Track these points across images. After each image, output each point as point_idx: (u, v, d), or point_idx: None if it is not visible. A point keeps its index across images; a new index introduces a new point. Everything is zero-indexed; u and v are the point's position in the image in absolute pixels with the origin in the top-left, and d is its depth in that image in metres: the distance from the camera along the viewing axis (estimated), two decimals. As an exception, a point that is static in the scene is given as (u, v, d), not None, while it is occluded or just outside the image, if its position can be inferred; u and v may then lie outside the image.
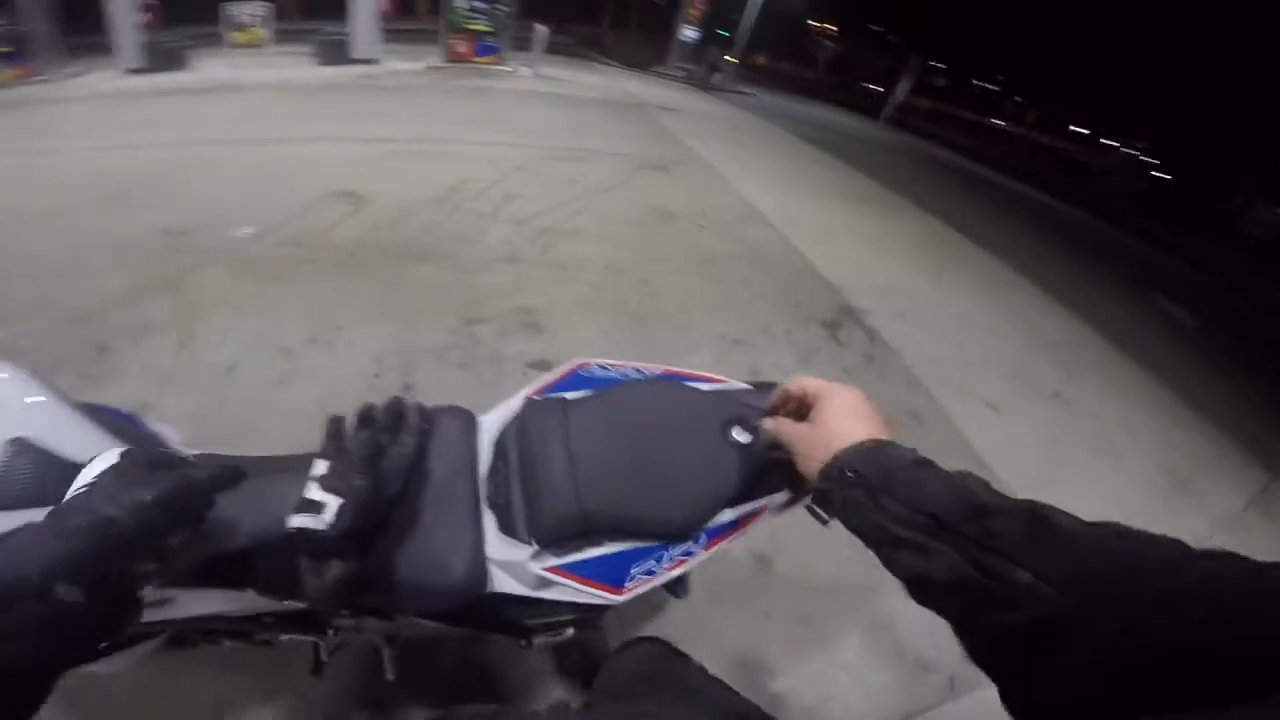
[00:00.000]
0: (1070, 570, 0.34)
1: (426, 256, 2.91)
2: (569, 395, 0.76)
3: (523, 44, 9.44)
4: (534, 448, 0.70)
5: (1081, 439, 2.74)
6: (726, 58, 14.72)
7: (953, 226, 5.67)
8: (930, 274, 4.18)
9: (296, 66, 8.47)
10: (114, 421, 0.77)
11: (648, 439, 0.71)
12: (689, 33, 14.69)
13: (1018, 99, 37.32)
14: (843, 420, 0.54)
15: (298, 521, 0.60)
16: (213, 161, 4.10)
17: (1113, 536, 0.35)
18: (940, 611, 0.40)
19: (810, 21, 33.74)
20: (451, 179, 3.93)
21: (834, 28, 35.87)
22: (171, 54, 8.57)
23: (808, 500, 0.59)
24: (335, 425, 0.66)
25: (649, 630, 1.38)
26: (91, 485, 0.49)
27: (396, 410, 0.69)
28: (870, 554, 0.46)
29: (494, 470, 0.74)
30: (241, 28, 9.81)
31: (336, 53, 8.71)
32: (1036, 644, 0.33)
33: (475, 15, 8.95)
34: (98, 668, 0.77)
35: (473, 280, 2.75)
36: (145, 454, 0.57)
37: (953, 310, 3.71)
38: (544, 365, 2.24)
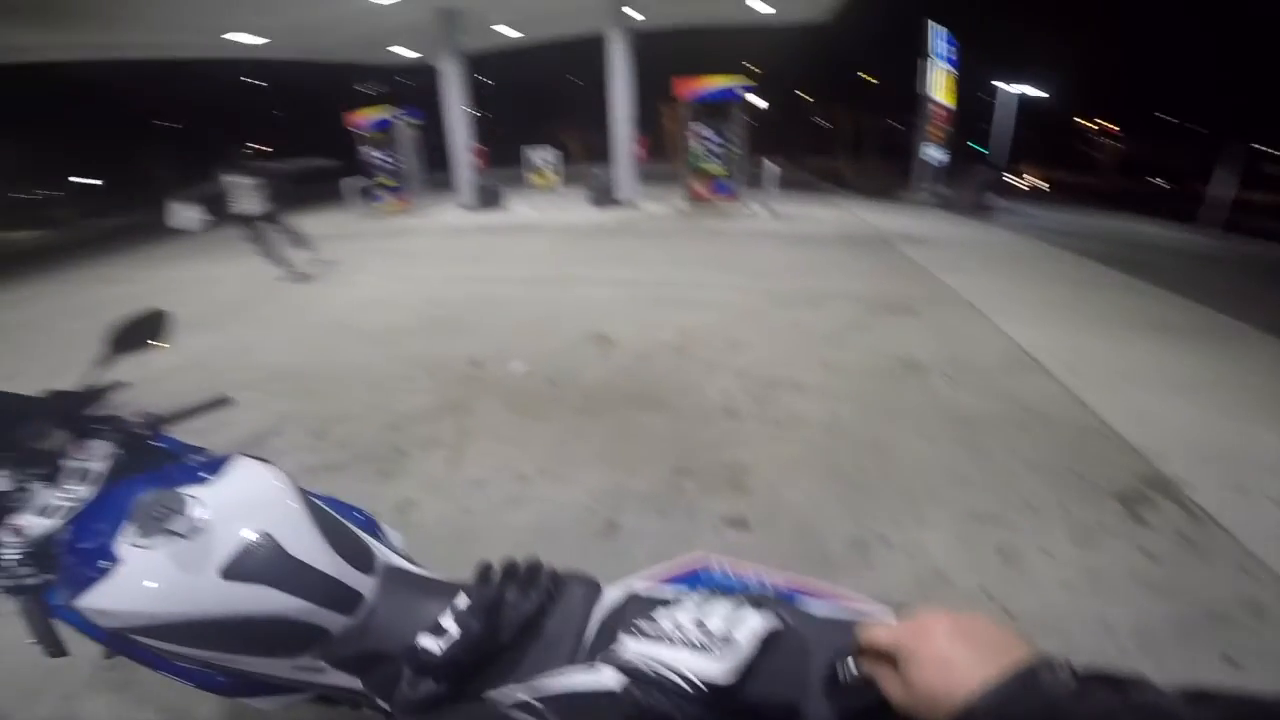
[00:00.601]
0: None
1: (653, 404, 3.10)
2: (671, 594, 0.78)
3: (757, 181, 9.85)
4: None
5: None
6: (995, 175, 13.57)
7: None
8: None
9: (575, 207, 10.37)
10: (344, 527, 0.99)
11: None
12: (932, 153, 14.01)
13: None
14: (944, 672, 0.43)
15: (422, 640, 0.75)
16: (509, 298, 5.19)
17: None
18: None
19: (1078, 120, 29.88)
20: (686, 324, 4.19)
21: (1112, 125, 31.14)
22: (491, 193, 11.29)
23: None
24: (483, 569, 0.83)
25: None
26: None
27: (533, 570, 0.83)
28: None
29: (596, 641, 0.79)
30: (537, 170, 12.43)
31: (604, 195, 10.48)
32: None
33: (709, 157, 9.76)
34: (255, 702, 1.01)
35: (689, 431, 2.83)
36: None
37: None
38: (740, 524, 2.18)
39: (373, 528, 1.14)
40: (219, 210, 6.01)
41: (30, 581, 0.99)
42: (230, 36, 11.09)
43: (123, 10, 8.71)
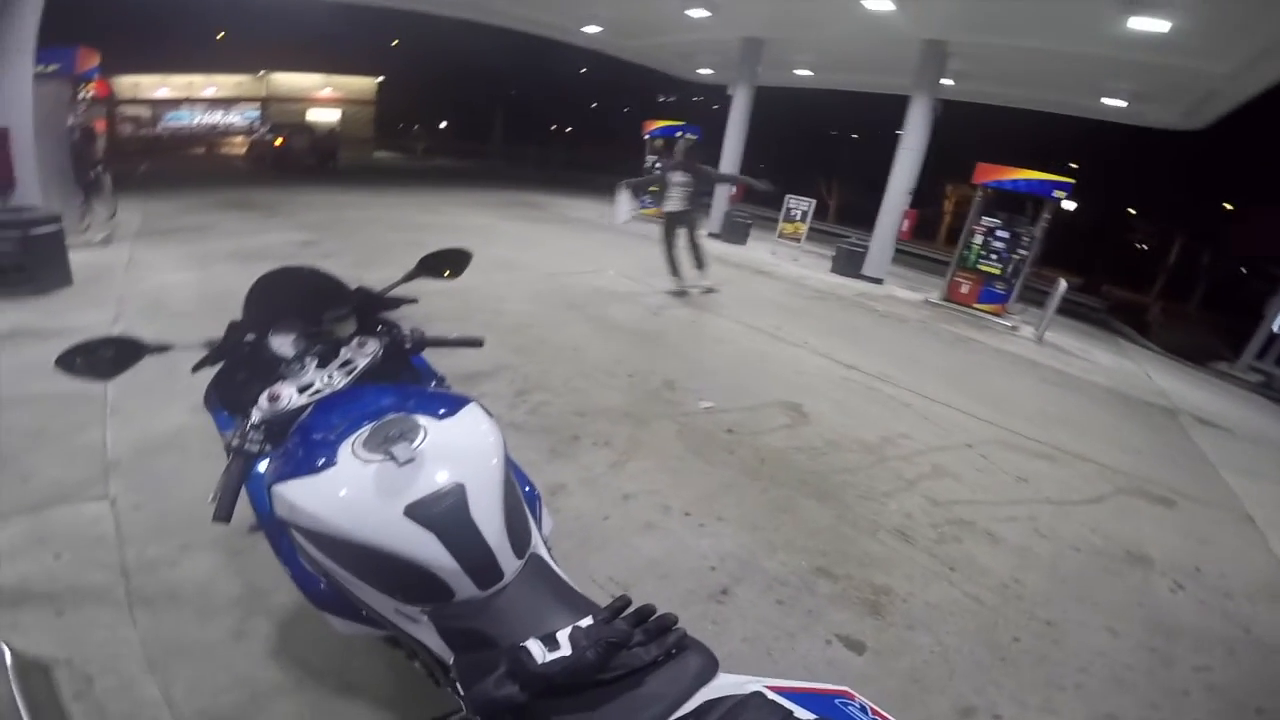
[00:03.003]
0: None
1: (823, 495, 2.96)
2: (800, 713, 0.70)
3: (1035, 299, 8.39)
4: None
5: None
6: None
7: None
8: None
9: (816, 266, 10.07)
10: (519, 503, 1.02)
11: None
12: (1291, 324, 10.36)
13: None
14: None
15: (531, 644, 0.75)
16: (723, 335, 5.35)
17: None
18: None
19: None
20: (892, 429, 3.85)
21: None
22: (739, 228, 11.51)
23: None
24: (619, 601, 0.82)
25: None
26: None
27: (664, 624, 0.80)
28: None
29: (689, 717, 0.74)
30: (790, 219, 12.29)
31: (849, 263, 9.87)
32: None
33: (988, 256, 8.44)
34: (334, 619, 1.06)
35: (849, 536, 2.67)
36: None
37: None
38: (855, 646, 2.04)
39: (535, 505, 1.17)
40: (648, 200, 6.37)
41: (252, 448, 1.04)
42: (585, 29, 13.07)
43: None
